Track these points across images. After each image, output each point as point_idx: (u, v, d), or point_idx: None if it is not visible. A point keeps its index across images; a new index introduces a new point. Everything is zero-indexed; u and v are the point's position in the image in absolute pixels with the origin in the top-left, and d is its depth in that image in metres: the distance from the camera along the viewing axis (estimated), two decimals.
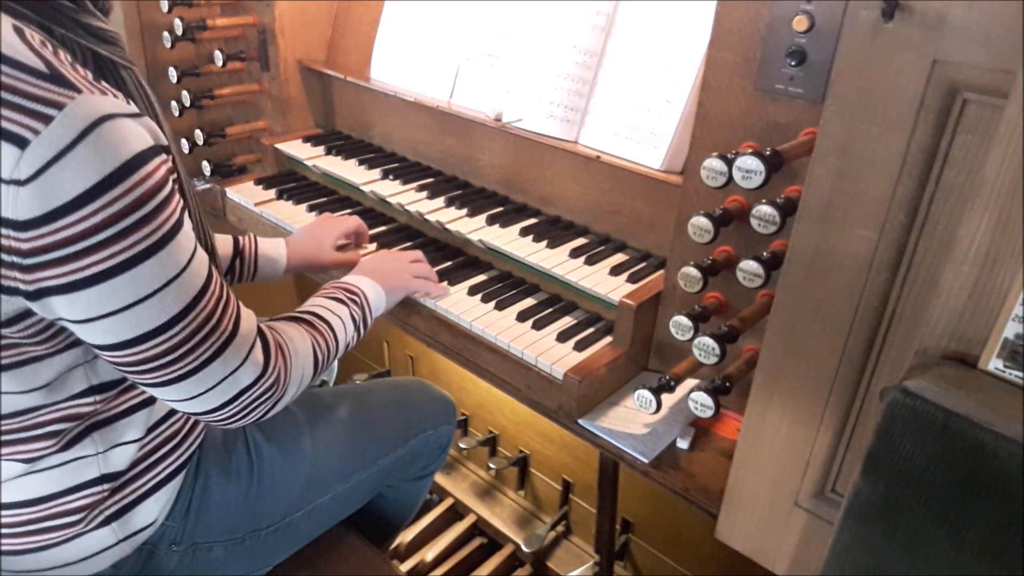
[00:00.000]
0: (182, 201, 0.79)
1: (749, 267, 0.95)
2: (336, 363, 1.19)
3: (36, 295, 0.73)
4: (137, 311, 0.75)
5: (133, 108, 0.74)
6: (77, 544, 0.93)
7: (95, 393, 0.88)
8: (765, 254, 0.97)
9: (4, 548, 0.91)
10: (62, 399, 0.86)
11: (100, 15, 0.83)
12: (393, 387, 1.44)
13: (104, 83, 0.75)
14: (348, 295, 1.12)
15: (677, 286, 1.06)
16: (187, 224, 0.79)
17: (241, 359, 0.85)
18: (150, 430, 0.96)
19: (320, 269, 1.39)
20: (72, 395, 0.86)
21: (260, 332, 0.90)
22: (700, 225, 0.98)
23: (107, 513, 0.94)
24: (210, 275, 0.82)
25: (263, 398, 0.89)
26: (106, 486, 0.93)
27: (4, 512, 0.89)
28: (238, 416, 0.89)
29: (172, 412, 1.00)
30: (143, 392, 0.94)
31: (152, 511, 0.99)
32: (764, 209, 0.91)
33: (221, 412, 0.87)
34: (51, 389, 0.84)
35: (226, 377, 0.84)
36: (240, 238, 1.32)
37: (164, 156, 0.76)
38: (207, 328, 0.81)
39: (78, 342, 0.83)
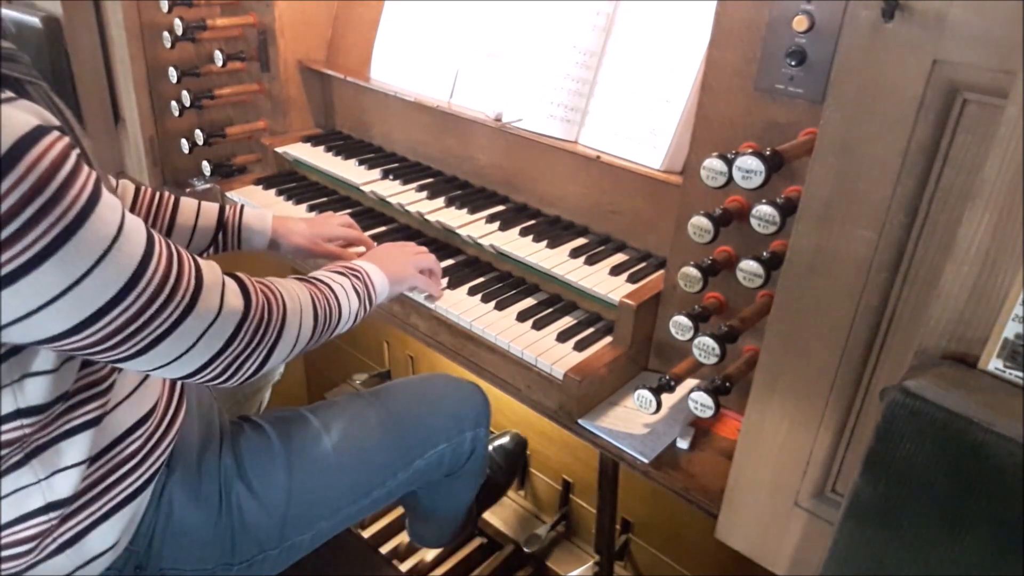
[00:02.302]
0: (94, 173, 0.73)
1: (749, 267, 0.95)
2: (282, 366, 1.16)
3: None
4: (76, 294, 0.71)
5: (7, 94, 0.69)
6: (34, 574, 0.90)
7: (23, 417, 0.82)
8: (765, 254, 0.97)
9: None
10: None
11: None
12: (406, 390, 1.35)
13: None
14: (350, 270, 1.11)
15: (677, 286, 1.06)
16: (106, 195, 0.73)
17: (215, 309, 0.81)
18: (100, 455, 0.92)
19: (311, 256, 1.37)
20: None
21: (233, 276, 0.86)
22: (700, 225, 0.98)
23: (60, 541, 0.90)
24: (151, 238, 0.77)
25: (254, 342, 0.86)
26: (53, 514, 0.88)
27: None
28: (233, 369, 0.86)
29: (126, 435, 0.95)
30: (82, 414, 0.89)
31: (108, 536, 0.94)
32: (764, 209, 0.91)
33: (211, 368, 0.84)
34: None
35: (205, 331, 0.81)
36: (226, 208, 1.30)
37: (56, 134, 0.70)
38: (166, 290, 0.77)
39: (5, 354, 0.78)
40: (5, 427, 0.81)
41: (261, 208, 1.36)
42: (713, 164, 0.93)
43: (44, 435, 0.86)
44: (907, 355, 0.67)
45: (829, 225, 0.75)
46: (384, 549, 1.87)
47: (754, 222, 0.92)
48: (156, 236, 0.79)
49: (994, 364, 0.61)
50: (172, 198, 1.26)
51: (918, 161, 0.69)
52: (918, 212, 0.71)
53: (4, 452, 0.83)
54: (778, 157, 0.89)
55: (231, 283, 0.85)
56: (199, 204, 1.27)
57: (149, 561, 1.00)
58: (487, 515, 1.95)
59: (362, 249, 1.40)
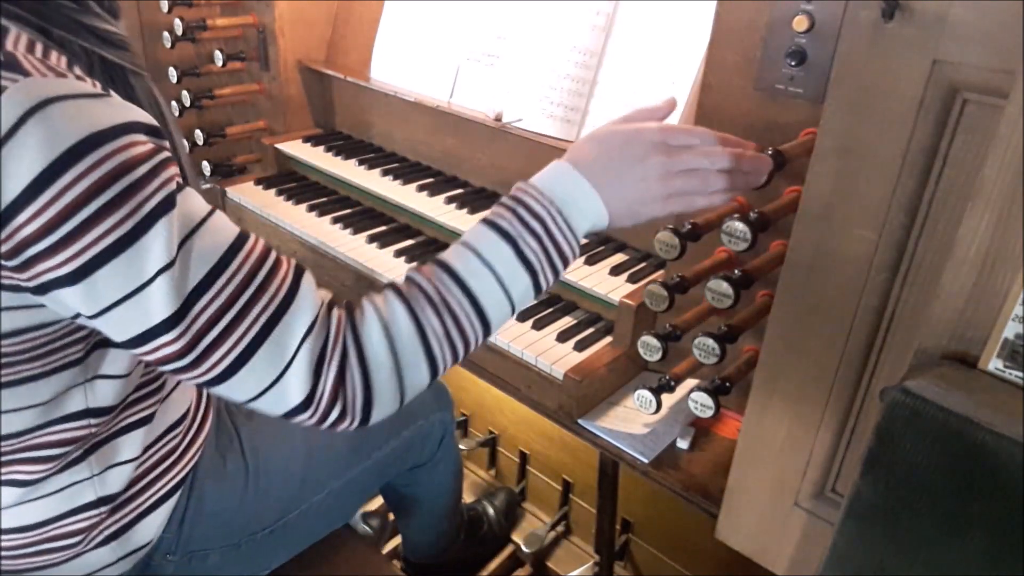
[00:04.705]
0: (177, 179, 0.69)
1: (734, 229, 0.91)
2: None
3: (41, 289, 0.67)
4: (147, 294, 0.66)
5: (97, 89, 0.68)
6: (77, 563, 0.92)
7: (91, 416, 0.84)
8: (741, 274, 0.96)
9: (3, 568, 0.90)
10: (57, 419, 0.82)
11: (107, 16, 0.78)
12: None
13: (94, 81, 0.70)
14: (518, 225, 0.78)
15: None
16: (190, 194, 0.70)
17: (311, 318, 0.71)
18: (146, 449, 0.94)
19: None
20: (67, 415, 0.82)
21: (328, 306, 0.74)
22: (666, 240, 0.96)
23: (106, 533, 0.92)
24: (243, 232, 0.72)
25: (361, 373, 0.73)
26: (103, 508, 0.90)
27: (2, 537, 0.87)
28: (354, 408, 0.74)
29: (168, 431, 0.96)
30: (138, 411, 0.91)
31: (152, 529, 0.97)
32: (736, 226, 0.90)
33: (315, 405, 0.72)
34: (47, 408, 0.80)
35: (300, 344, 0.70)
36: None
37: (144, 136, 0.68)
38: (255, 283, 0.69)
39: (76, 362, 0.80)
40: (73, 424, 0.83)
41: None
42: None
43: (105, 432, 0.88)
44: (907, 355, 0.67)
45: (829, 225, 0.75)
46: (384, 549, 1.87)
47: (724, 237, 0.91)
48: (252, 235, 0.73)
49: (994, 364, 0.61)
50: None
51: (918, 161, 0.69)
52: (918, 212, 0.71)
53: (68, 448, 0.85)
54: (779, 157, 0.89)
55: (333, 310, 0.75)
56: None
57: (178, 546, 1.02)
58: None
59: None
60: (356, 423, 0.75)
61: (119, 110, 0.68)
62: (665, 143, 0.81)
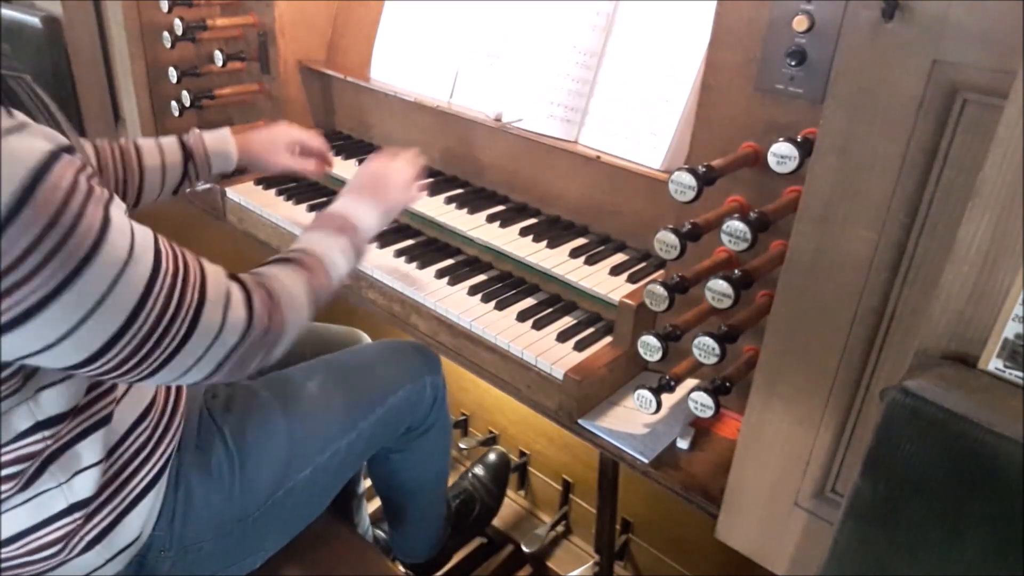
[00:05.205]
0: (104, 193, 0.74)
1: (734, 229, 0.94)
2: None
3: None
4: (93, 321, 0.72)
5: (13, 121, 0.69)
6: (66, 568, 0.92)
7: (43, 429, 0.85)
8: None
9: None
10: (9, 440, 0.82)
11: None
12: (365, 351, 1.42)
13: None
14: (347, 226, 1.11)
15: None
16: (115, 215, 0.74)
17: (219, 322, 0.83)
18: (111, 451, 0.94)
19: (269, 170, 1.45)
20: (19, 434, 0.83)
21: (238, 283, 0.88)
22: (666, 240, 0.98)
23: (88, 539, 0.92)
24: (157, 252, 0.78)
25: (257, 349, 0.88)
26: (78, 514, 0.90)
27: None
28: (237, 369, 0.88)
29: (132, 428, 0.97)
30: (93, 414, 0.91)
31: (134, 527, 0.97)
32: (736, 226, 0.91)
33: (217, 374, 0.86)
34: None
35: (211, 345, 0.83)
36: (186, 139, 1.34)
37: (67, 157, 0.70)
38: (171, 308, 0.78)
39: (19, 386, 0.80)
40: (27, 441, 0.83)
41: (218, 131, 1.42)
42: (682, 178, 0.93)
43: (62, 441, 0.87)
44: (907, 355, 0.67)
45: (829, 225, 0.75)
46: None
47: (724, 237, 0.92)
48: (163, 247, 0.80)
49: (994, 364, 0.61)
50: (133, 144, 1.29)
51: (918, 161, 0.69)
52: (918, 212, 0.71)
53: (24, 466, 0.84)
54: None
55: (236, 295, 0.86)
56: (158, 142, 1.31)
57: (171, 542, 1.02)
58: None
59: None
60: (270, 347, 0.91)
61: (41, 137, 0.69)
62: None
